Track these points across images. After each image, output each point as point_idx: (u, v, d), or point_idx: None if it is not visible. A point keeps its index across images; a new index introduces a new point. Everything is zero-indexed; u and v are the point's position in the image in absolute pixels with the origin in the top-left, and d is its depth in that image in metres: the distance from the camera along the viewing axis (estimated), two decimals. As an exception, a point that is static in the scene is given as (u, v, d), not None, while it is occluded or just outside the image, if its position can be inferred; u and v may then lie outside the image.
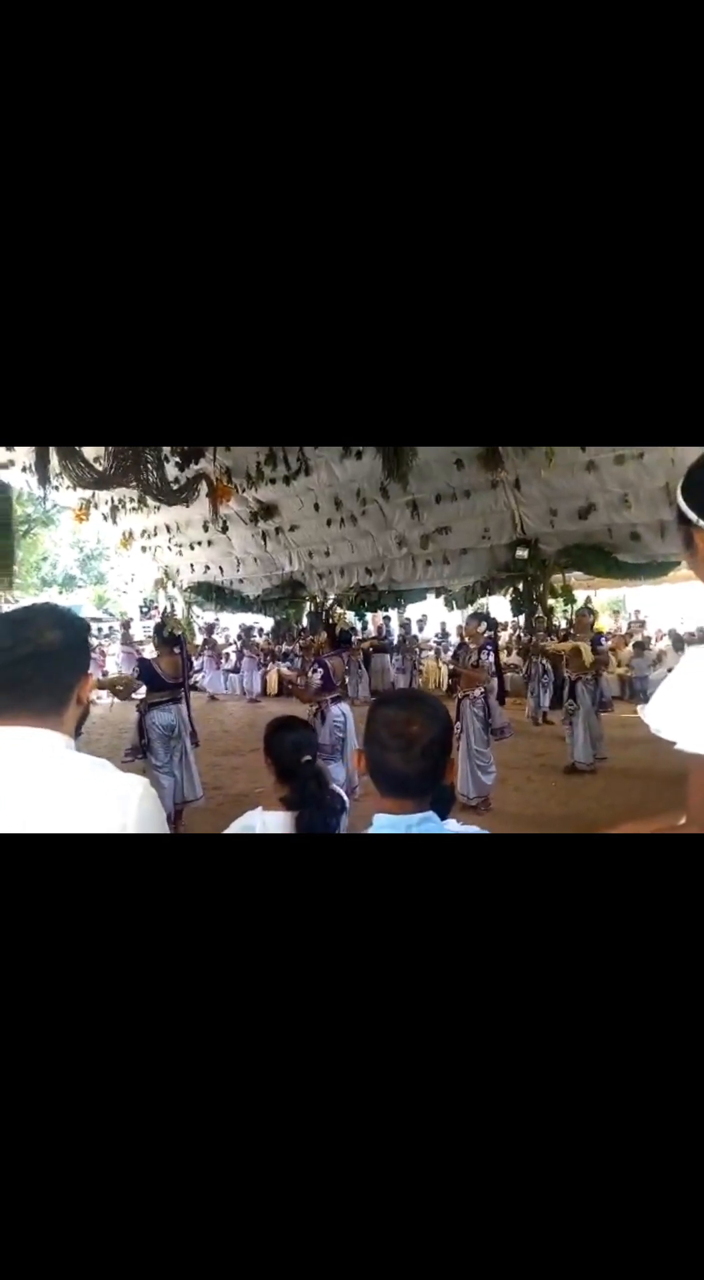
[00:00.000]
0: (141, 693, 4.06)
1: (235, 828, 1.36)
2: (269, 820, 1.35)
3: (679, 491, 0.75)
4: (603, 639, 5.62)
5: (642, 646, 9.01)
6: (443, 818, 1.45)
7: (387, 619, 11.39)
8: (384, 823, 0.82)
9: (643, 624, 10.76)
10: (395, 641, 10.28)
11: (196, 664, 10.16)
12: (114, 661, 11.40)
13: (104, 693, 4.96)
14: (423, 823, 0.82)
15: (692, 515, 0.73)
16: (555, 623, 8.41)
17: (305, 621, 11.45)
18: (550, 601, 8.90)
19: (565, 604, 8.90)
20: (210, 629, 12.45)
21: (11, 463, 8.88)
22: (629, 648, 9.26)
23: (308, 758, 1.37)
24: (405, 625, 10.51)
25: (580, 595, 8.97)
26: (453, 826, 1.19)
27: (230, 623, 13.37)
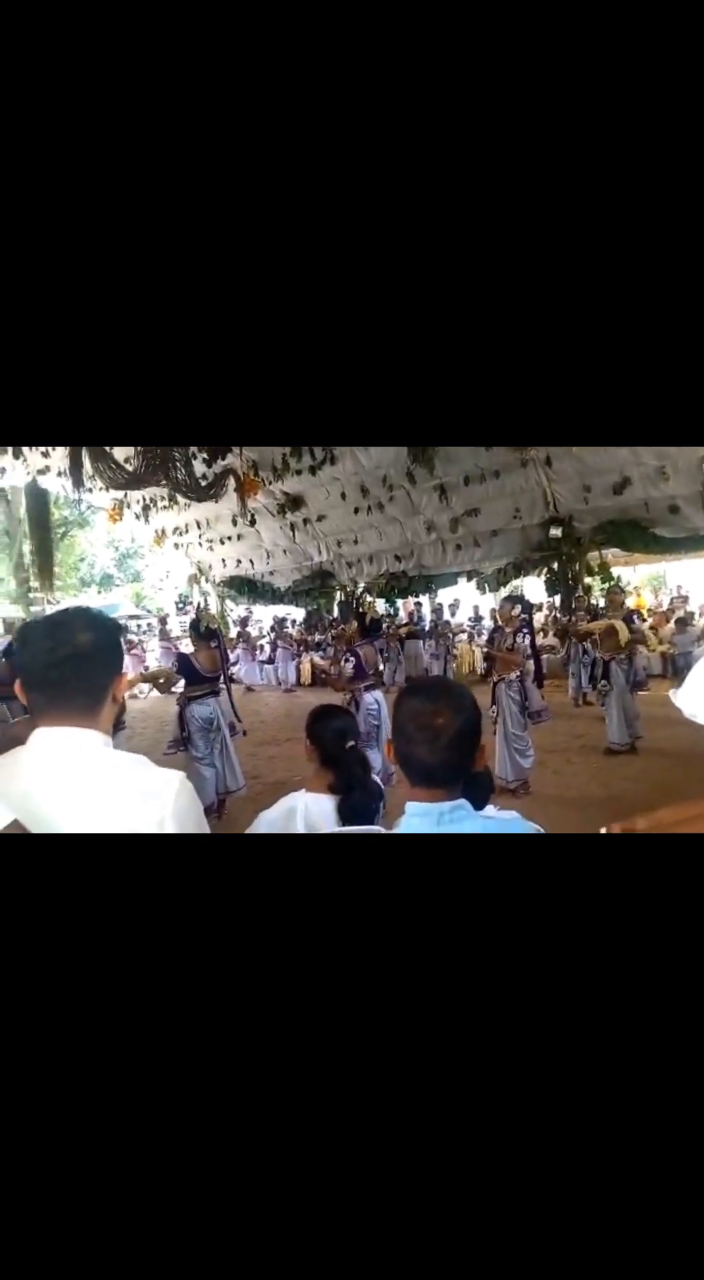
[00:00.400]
0: (181, 686, 4.17)
1: (278, 809, 1.39)
2: (312, 802, 1.37)
3: None
4: (636, 616, 5.42)
5: (684, 623, 8.68)
6: (481, 805, 1.45)
7: (418, 605, 11.31)
8: (416, 810, 0.83)
9: (685, 599, 10.36)
10: (427, 627, 10.21)
11: (232, 656, 10.36)
12: (153, 657, 11.71)
13: (146, 686, 5.12)
14: (454, 810, 0.82)
15: None
16: (594, 601, 8.18)
17: (336, 611, 11.49)
18: (587, 580, 8.66)
19: (603, 582, 8.65)
20: (244, 622, 12.63)
21: (47, 468, 9.16)
22: (671, 624, 8.94)
23: (352, 743, 1.40)
24: (437, 610, 10.42)
25: (617, 573, 8.71)
26: (489, 813, 1.18)
27: (264, 615, 13.53)
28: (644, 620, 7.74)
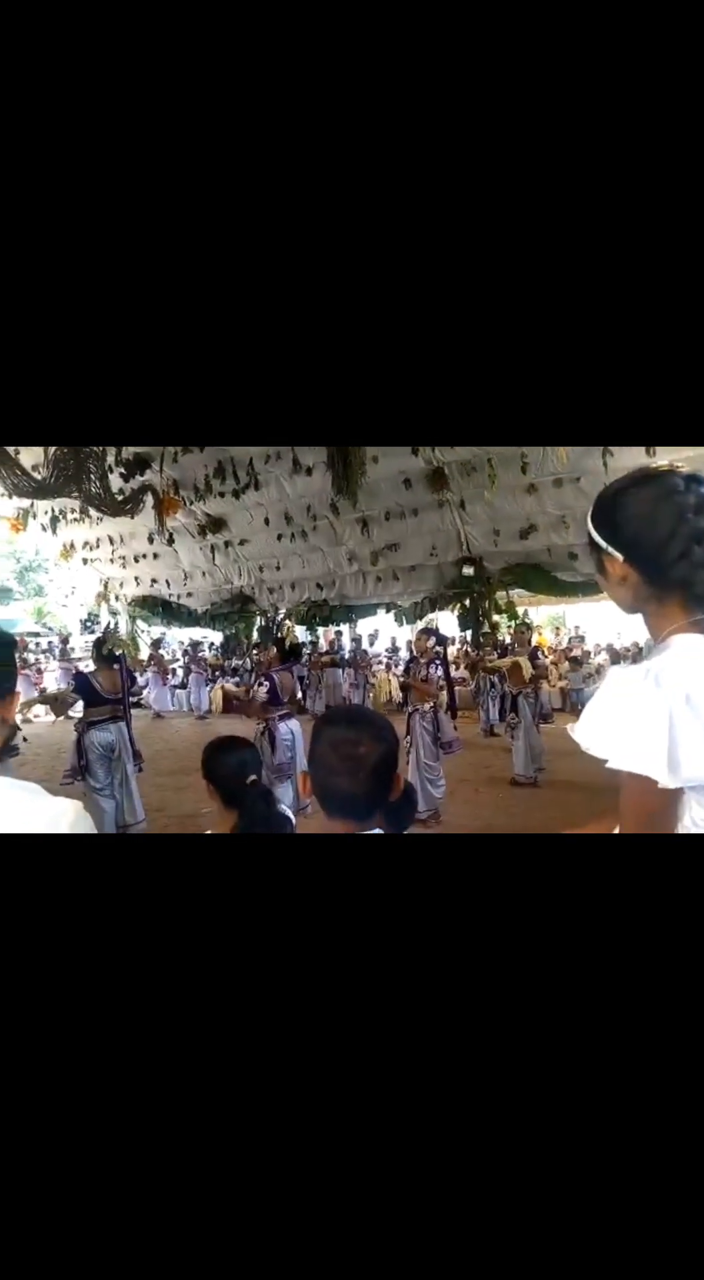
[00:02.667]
0: (79, 709, 3.88)
1: None
2: None
3: (589, 519, 0.78)
4: (541, 653, 5.82)
5: (578, 661, 9.41)
6: (404, 827, 1.44)
7: (338, 634, 11.41)
8: None
9: (582, 639, 11.25)
10: (346, 656, 10.30)
11: (142, 680, 9.83)
12: (53, 678, 10.89)
13: (43, 709, 4.72)
14: None
15: (600, 542, 0.77)
16: (500, 638, 8.68)
17: (256, 635, 11.32)
18: (495, 617, 9.18)
19: (509, 620, 9.22)
20: (157, 644, 12.09)
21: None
22: (566, 662, 9.65)
23: (253, 778, 1.33)
24: (357, 640, 10.58)
25: (523, 610, 9.32)
26: None
27: (180, 637, 13.04)
28: (546, 656, 8.30)
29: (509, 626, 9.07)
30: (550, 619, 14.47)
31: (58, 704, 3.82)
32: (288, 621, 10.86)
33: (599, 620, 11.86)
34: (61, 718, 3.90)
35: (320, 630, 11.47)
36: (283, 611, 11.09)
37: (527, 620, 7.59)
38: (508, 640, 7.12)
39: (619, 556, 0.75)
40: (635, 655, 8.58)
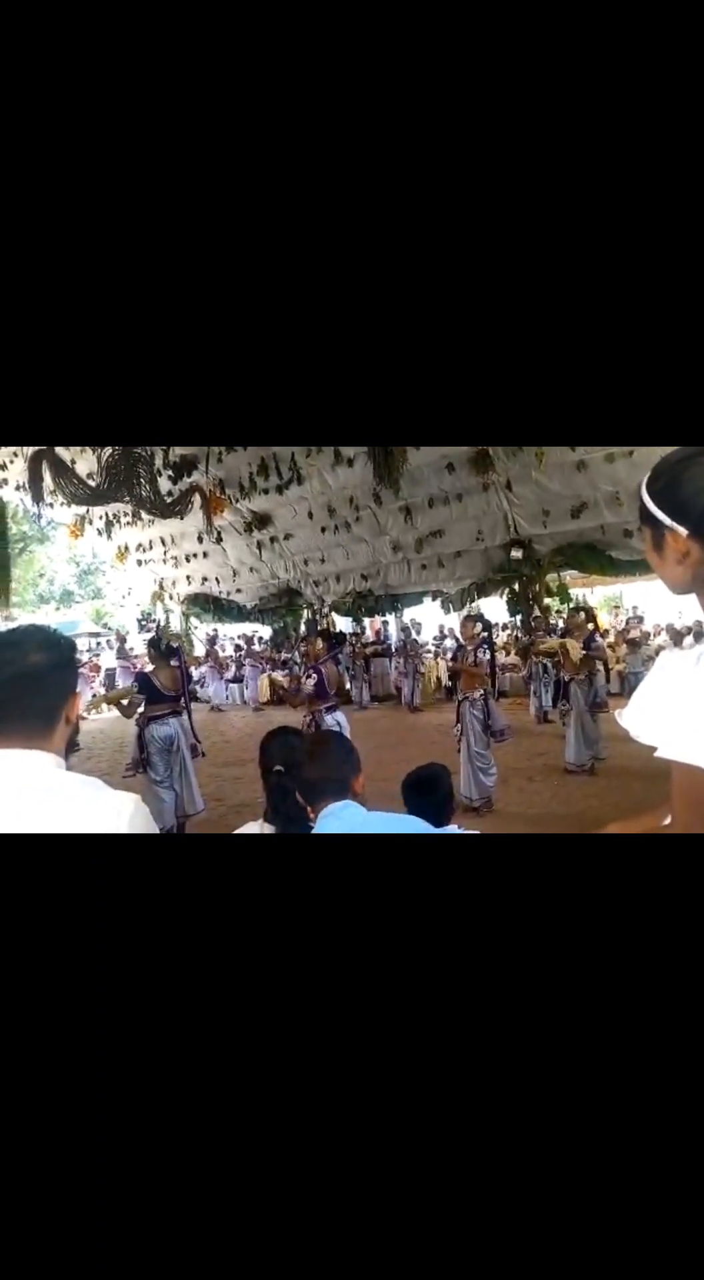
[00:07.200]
0: (142, 706, 4.06)
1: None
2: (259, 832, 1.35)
3: (644, 488, 0.71)
4: (597, 637, 5.54)
5: (635, 643, 9.01)
6: (443, 822, 1.45)
7: (385, 623, 11.39)
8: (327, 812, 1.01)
9: (640, 620, 10.75)
10: (394, 646, 10.28)
11: (197, 674, 10.17)
12: (108, 674, 11.42)
13: (107, 707, 4.96)
14: (343, 809, 1.00)
15: (661, 516, 0.69)
16: (552, 621, 8.42)
17: (303, 628, 11.47)
18: (546, 601, 8.91)
19: (561, 603, 8.93)
20: (212, 640, 12.45)
21: (4, 481, 8.90)
22: (624, 645, 9.26)
23: (278, 768, 1.35)
24: (405, 630, 10.54)
25: (577, 594, 8.98)
26: (453, 831, 1.24)
27: (230, 633, 13.39)
28: (604, 636, 7.96)
29: (560, 610, 8.78)
30: (606, 600, 13.90)
31: (127, 705, 4.01)
32: (333, 614, 10.93)
33: (658, 600, 11.29)
34: (129, 717, 4.09)
35: (366, 621, 11.48)
36: (328, 604, 11.17)
37: (582, 605, 7.29)
38: (561, 625, 6.87)
39: (684, 532, 0.68)
40: (699, 635, 8.12)
